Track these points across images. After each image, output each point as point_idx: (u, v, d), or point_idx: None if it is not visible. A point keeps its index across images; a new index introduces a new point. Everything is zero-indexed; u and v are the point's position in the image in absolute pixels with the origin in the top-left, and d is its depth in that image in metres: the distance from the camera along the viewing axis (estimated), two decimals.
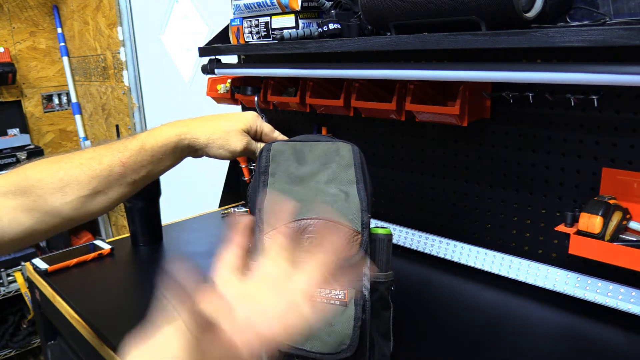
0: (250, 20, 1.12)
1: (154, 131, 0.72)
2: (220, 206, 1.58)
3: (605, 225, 0.77)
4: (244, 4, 1.10)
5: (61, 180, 0.65)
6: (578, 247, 0.79)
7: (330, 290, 0.61)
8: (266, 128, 0.80)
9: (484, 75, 0.77)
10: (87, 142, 3.01)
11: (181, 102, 2.11)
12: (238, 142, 0.74)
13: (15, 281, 2.67)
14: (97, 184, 0.66)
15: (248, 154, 0.78)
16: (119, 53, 2.42)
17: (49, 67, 2.96)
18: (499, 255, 1.01)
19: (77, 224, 0.69)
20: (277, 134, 0.81)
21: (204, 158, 0.79)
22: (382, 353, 0.69)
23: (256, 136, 0.79)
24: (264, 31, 1.09)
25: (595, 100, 0.79)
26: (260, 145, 0.78)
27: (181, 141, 0.71)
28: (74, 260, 1.14)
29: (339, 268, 0.42)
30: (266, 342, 0.39)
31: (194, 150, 0.74)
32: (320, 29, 0.95)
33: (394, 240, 1.02)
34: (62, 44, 2.93)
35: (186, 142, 0.72)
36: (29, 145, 2.77)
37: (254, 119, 0.77)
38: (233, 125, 0.75)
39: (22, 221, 0.64)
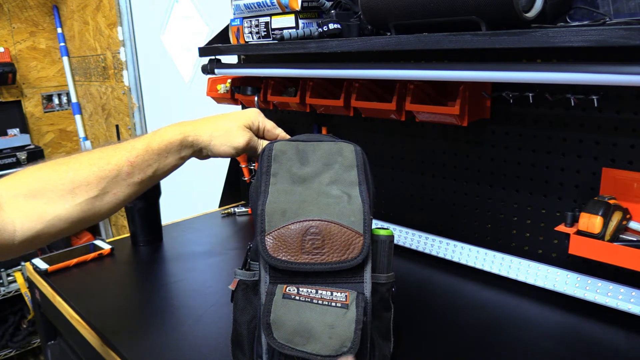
0: (250, 20, 1.12)
1: (159, 131, 0.74)
2: (220, 206, 1.58)
3: (605, 225, 0.77)
4: (244, 4, 1.10)
5: (71, 182, 0.65)
6: (578, 247, 0.79)
7: (331, 292, 0.61)
8: (268, 124, 0.81)
9: (484, 75, 0.77)
10: (87, 142, 3.01)
11: (181, 102, 2.11)
12: (240, 138, 0.76)
13: (15, 281, 2.67)
14: (105, 185, 0.68)
15: (250, 151, 0.78)
16: (119, 53, 2.42)
17: (49, 67, 2.96)
18: (499, 255, 1.01)
19: (84, 227, 0.70)
20: (280, 131, 0.82)
21: None
22: (383, 354, 0.69)
23: (258, 133, 0.81)
24: (264, 31, 1.09)
25: (595, 100, 0.79)
26: (263, 142, 0.79)
27: (185, 139, 0.74)
28: (74, 260, 1.14)
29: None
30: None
31: (199, 150, 0.76)
32: (320, 29, 0.95)
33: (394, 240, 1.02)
34: (62, 44, 2.92)
35: (190, 140, 0.74)
36: (29, 145, 2.77)
37: (255, 116, 0.79)
38: (235, 122, 0.77)
39: (32, 225, 0.64)
